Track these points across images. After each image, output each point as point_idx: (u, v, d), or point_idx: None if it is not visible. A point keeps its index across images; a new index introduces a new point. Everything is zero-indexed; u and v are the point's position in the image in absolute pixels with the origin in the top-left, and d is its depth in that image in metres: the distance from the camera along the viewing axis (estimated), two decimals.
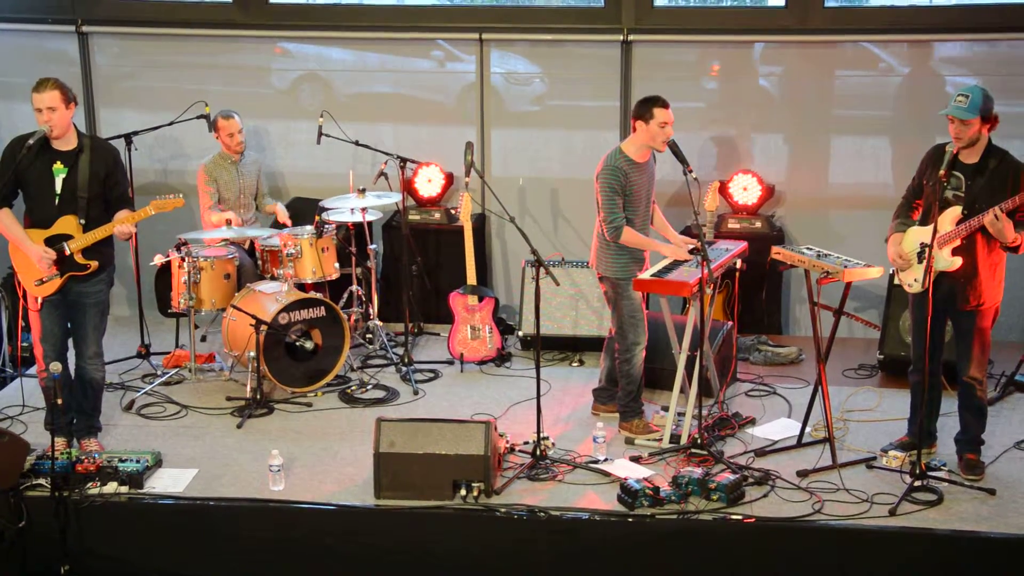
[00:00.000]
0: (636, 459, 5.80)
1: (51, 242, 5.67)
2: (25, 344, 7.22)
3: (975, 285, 5.42)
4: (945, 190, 5.39)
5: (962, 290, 5.43)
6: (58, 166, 5.65)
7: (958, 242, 5.36)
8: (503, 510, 5.30)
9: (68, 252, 5.66)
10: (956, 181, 5.39)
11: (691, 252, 6.03)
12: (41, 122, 5.58)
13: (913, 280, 5.52)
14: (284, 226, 7.46)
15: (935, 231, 5.24)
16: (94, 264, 5.75)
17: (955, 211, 5.37)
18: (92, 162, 5.69)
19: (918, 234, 5.51)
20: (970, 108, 5.25)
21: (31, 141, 5.58)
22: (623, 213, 5.90)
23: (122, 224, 5.70)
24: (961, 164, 5.37)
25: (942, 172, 5.27)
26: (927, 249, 5.30)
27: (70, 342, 5.93)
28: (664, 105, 5.86)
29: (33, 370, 7.05)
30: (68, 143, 5.68)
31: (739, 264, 6.45)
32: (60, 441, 5.93)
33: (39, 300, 5.76)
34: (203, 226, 7.34)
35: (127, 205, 5.88)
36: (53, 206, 5.66)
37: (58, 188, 5.65)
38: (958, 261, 5.36)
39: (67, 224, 5.68)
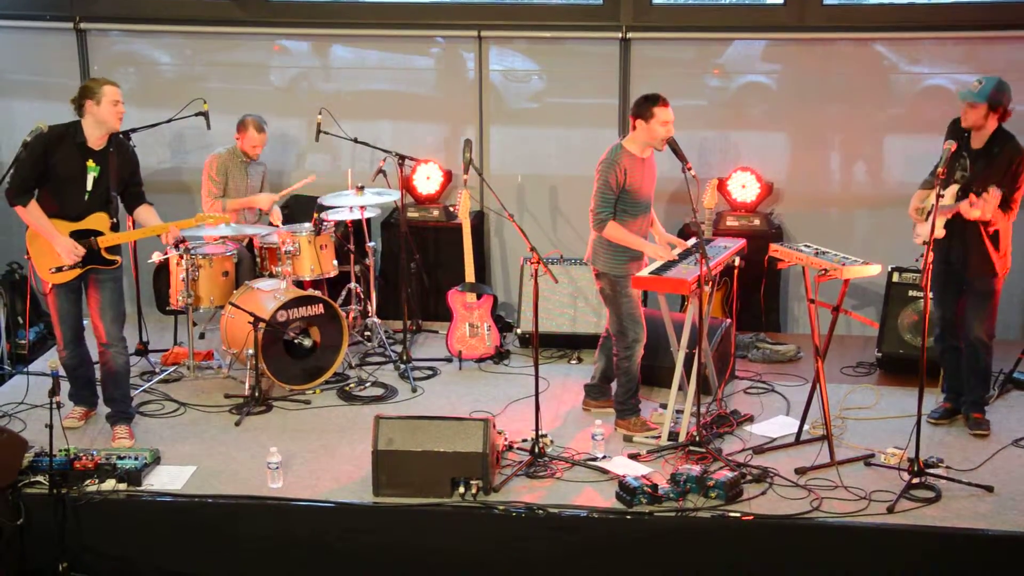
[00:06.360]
0: (634, 456, 5.80)
1: (77, 235, 5.77)
2: (23, 342, 7.22)
3: (974, 255, 5.78)
4: (956, 170, 5.72)
5: (967, 259, 5.81)
6: (91, 164, 5.75)
7: (949, 215, 5.69)
8: (501, 508, 5.30)
9: (97, 248, 5.79)
10: (964, 163, 5.70)
11: (680, 256, 6.03)
12: (118, 115, 5.72)
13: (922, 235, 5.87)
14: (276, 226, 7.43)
15: (936, 209, 5.37)
16: (119, 260, 5.92)
17: (955, 188, 5.70)
18: (120, 163, 5.85)
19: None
20: (979, 93, 5.63)
21: (32, 131, 5.61)
22: (612, 208, 5.89)
23: (176, 229, 6.00)
24: (970, 148, 5.69)
25: (940, 170, 5.42)
26: (929, 214, 5.57)
27: (87, 324, 6.04)
28: (664, 104, 5.84)
29: (32, 366, 7.08)
30: (101, 142, 5.77)
31: (738, 262, 6.45)
32: (80, 410, 6.19)
33: (50, 285, 5.85)
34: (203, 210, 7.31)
35: (144, 200, 6.05)
36: (82, 202, 5.78)
37: (89, 185, 5.76)
38: (942, 232, 5.72)
39: (99, 221, 5.82)
